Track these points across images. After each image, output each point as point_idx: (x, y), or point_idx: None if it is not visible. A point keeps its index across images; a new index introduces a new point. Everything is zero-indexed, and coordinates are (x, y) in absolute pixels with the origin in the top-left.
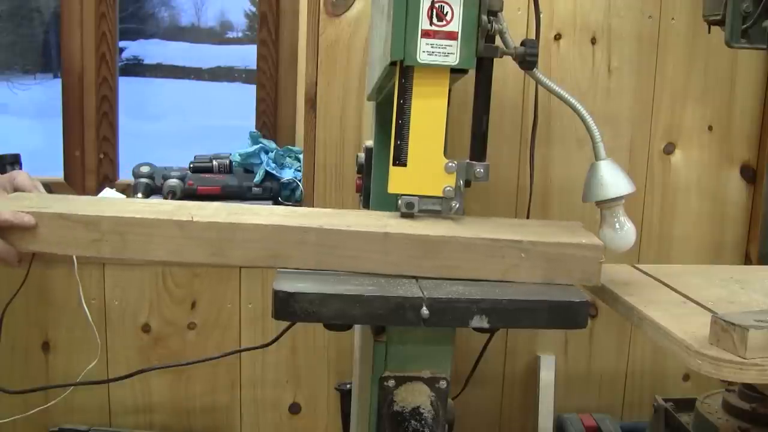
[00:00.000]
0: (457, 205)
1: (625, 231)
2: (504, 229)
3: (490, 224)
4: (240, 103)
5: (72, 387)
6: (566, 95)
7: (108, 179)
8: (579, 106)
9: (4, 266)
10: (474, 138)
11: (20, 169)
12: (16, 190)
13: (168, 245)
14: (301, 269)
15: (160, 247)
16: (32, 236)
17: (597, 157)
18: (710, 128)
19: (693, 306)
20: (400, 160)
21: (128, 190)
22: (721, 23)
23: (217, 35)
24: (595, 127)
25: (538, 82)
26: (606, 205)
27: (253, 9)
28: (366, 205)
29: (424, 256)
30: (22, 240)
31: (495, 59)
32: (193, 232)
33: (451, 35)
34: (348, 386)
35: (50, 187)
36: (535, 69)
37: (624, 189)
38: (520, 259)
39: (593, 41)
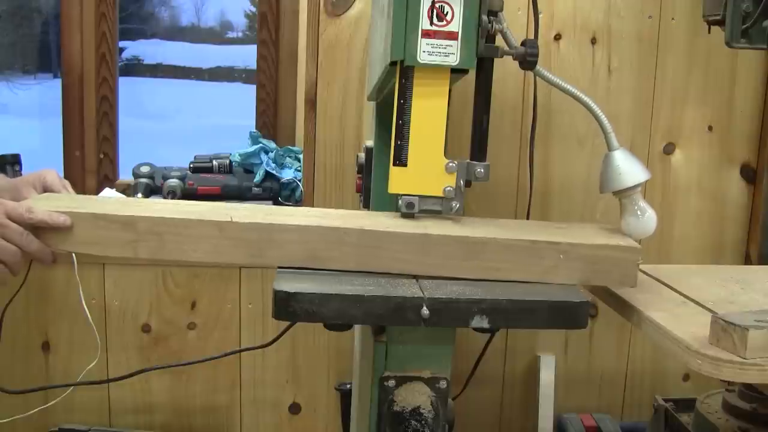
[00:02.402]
0: (458, 205)
1: (647, 216)
2: (542, 231)
3: (524, 226)
4: (240, 103)
5: (72, 387)
6: (573, 89)
7: (108, 179)
8: (586, 99)
9: (40, 266)
10: (474, 138)
11: (20, 169)
12: (45, 189)
13: (206, 246)
14: (341, 270)
15: (198, 248)
16: (67, 237)
17: (610, 148)
18: (710, 128)
19: (693, 306)
20: (401, 160)
21: (128, 190)
22: (721, 23)
23: (217, 35)
24: (605, 118)
25: (543, 79)
26: (625, 193)
27: (253, 9)
28: (366, 205)
29: (465, 257)
30: (57, 240)
31: (495, 59)
32: (233, 232)
33: (451, 35)
34: (348, 386)
35: None
36: (538, 66)
37: (641, 176)
38: (558, 261)
39: (593, 41)
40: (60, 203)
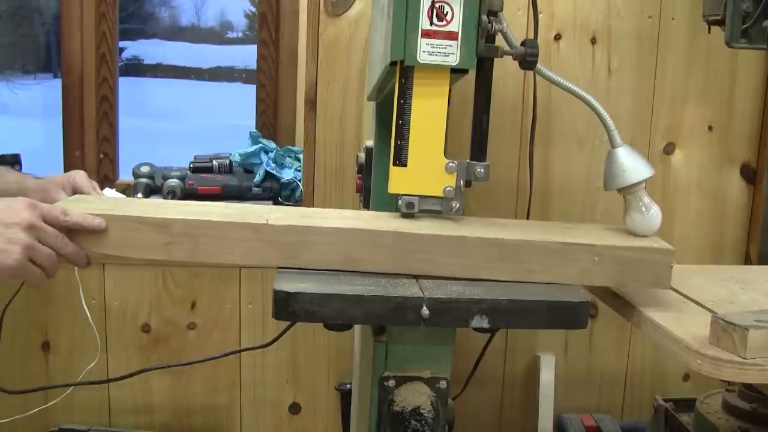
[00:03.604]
0: (458, 205)
1: (652, 213)
2: (574, 233)
3: (559, 228)
4: (240, 103)
5: (72, 387)
6: (574, 87)
7: (108, 179)
8: (588, 96)
9: (74, 268)
10: (474, 138)
11: (20, 169)
12: (74, 190)
13: (241, 249)
14: (376, 272)
15: (233, 250)
16: (101, 239)
17: (613, 145)
18: (710, 128)
19: (693, 306)
20: (401, 160)
21: (128, 190)
22: (721, 23)
23: (217, 35)
24: (607, 115)
25: (544, 77)
26: (629, 190)
27: (253, 9)
28: (366, 205)
29: (500, 260)
30: (91, 242)
31: (495, 59)
32: (268, 235)
33: (451, 35)
34: (348, 386)
35: None
36: (538, 65)
37: (645, 173)
38: (592, 263)
39: (593, 41)
40: (93, 205)
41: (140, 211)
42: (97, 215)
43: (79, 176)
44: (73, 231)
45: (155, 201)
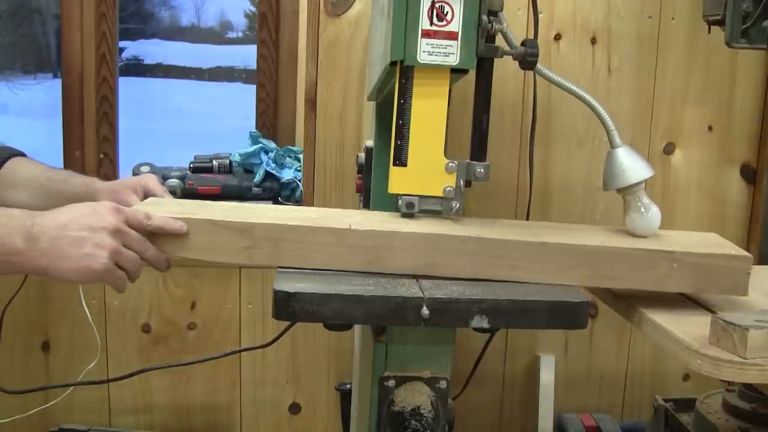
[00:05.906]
0: (458, 205)
1: (651, 213)
2: (651, 240)
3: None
4: (240, 103)
5: (72, 387)
6: (574, 87)
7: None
8: (588, 96)
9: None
10: (474, 138)
11: None
12: (146, 194)
13: (323, 253)
14: (456, 277)
15: (315, 255)
16: (182, 243)
17: (612, 145)
18: (710, 128)
19: (693, 306)
20: (401, 160)
21: None
22: (721, 23)
23: (217, 35)
24: (607, 116)
25: (544, 77)
26: (628, 190)
27: (253, 9)
28: (366, 205)
29: (581, 266)
30: (171, 246)
31: (495, 59)
32: (351, 240)
33: (451, 35)
34: (348, 386)
35: None
36: (538, 65)
37: (645, 173)
38: (671, 270)
39: (593, 41)
40: (170, 209)
41: (221, 215)
42: (178, 219)
43: (151, 179)
44: (154, 235)
45: (230, 204)
